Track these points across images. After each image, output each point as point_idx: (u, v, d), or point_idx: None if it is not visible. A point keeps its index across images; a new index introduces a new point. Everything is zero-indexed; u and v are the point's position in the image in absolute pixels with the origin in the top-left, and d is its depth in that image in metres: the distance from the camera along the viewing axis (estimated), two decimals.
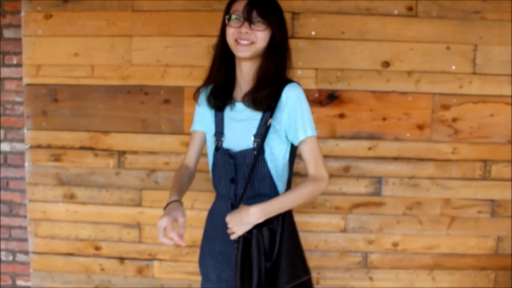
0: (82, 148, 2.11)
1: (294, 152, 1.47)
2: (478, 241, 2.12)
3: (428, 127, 2.03)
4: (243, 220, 1.32)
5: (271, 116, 1.37)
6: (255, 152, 1.38)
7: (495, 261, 2.13)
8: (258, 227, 1.34)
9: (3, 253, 2.32)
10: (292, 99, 1.36)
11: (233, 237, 1.35)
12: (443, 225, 2.10)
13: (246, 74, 1.41)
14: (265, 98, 1.36)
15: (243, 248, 1.34)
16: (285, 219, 1.39)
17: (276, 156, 1.41)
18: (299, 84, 1.40)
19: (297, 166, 1.60)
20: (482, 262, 2.14)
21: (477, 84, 2.01)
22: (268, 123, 1.37)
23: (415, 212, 2.08)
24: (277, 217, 1.37)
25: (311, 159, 1.40)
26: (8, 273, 2.34)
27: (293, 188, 1.41)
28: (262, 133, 1.38)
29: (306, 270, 1.45)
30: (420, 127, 2.03)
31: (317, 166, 1.40)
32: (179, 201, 1.41)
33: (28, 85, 2.10)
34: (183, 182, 1.50)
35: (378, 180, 2.07)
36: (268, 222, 1.36)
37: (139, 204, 2.13)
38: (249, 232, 1.33)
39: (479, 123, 2.03)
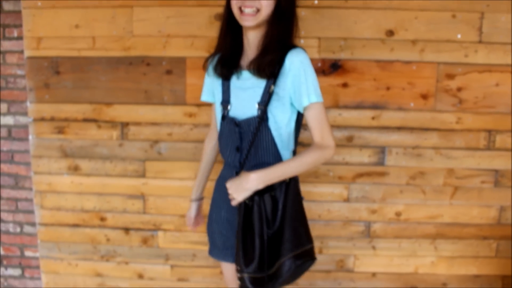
0: (85, 120, 2.11)
1: (300, 121, 1.47)
2: (481, 211, 2.12)
3: (432, 97, 2.01)
4: (242, 186, 1.34)
5: (274, 82, 1.36)
6: (258, 120, 1.38)
7: (497, 231, 2.14)
8: (260, 194, 1.35)
9: (10, 225, 2.36)
10: (296, 65, 1.35)
11: (233, 203, 1.37)
12: (446, 195, 2.10)
13: (252, 42, 1.42)
14: (268, 65, 1.36)
15: (245, 215, 1.36)
16: (289, 187, 1.40)
17: (279, 124, 1.41)
18: (303, 49, 1.39)
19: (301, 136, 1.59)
20: (485, 232, 2.15)
21: (483, 53, 1.98)
22: (270, 90, 1.36)
23: (419, 182, 2.09)
24: (280, 184, 1.38)
25: (316, 126, 1.39)
26: (17, 244, 2.38)
27: (296, 156, 1.40)
28: (266, 100, 1.37)
29: (309, 238, 1.46)
30: (424, 96, 2.01)
31: (323, 133, 1.38)
32: (198, 200, 1.76)
33: (29, 58, 2.09)
34: (206, 166, 1.74)
35: (382, 150, 2.06)
36: (270, 190, 1.37)
37: (143, 175, 2.14)
38: (251, 199, 1.35)
39: (484, 92, 2.01)
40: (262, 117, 1.38)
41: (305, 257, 1.41)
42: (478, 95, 2.01)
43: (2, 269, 2.40)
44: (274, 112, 1.39)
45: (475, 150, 2.06)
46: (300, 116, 1.46)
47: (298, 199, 1.45)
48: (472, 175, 2.08)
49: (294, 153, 1.50)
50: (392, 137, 2.05)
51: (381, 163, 2.07)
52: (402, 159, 2.06)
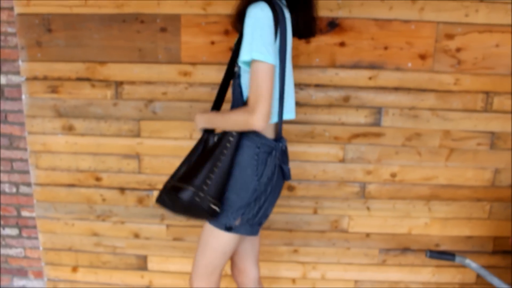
0: (79, 79, 2.08)
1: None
2: (476, 173, 2.13)
3: (431, 57, 1.98)
4: (195, 121, 1.50)
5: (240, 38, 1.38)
6: (233, 77, 1.42)
7: (491, 193, 2.16)
8: (211, 133, 1.48)
9: (6, 185, 2.36)
10: (245, 19, 1.30)
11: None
12: (441, 157, 2.10)
13: None
14: (237, 19, 1.38)
15: (198, 143, 1.49)
16: (223, 139, 1.39)
17: (247, 84, 1.38)
18: (262, 2, 1.28)
19: None
20: (479, 194, 2.16)
21: (484, 13, 1.94)
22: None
23: (414, 143, 2.08)
24: (220, 133, 1.43)
25: (249, 86, 1.29)
26: (13, 205, 2.39)
27: (227, 110, 1.42)
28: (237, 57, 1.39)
29: (191, 182, 1.38)
30: (423, 56, 1.98)
31: (251, 96, 1.27)
32: None
33: (19, 14, 2.03)
34: None
35: (378, 111, 2.04)
36: (219, 133, 1.45)
37: (137, 135, 2.12)
38: (208, 134, 1.47)
39: (483, 53, 1.98)
40: (232, 74, 1.42)
41: (172, 190, 1.46)
42: (478, 56, 1.98)
43: (0, 229, 2.42)
44: (244, 69, 1.38)
45: (472, 112, 2.05)
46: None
47: (227, 154, 1.38)
48: (468, 137, 2.08)
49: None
50: (389, 97, 2.03)
51: (377, 123, 2.06)
52: (398, 120, 2.05)
